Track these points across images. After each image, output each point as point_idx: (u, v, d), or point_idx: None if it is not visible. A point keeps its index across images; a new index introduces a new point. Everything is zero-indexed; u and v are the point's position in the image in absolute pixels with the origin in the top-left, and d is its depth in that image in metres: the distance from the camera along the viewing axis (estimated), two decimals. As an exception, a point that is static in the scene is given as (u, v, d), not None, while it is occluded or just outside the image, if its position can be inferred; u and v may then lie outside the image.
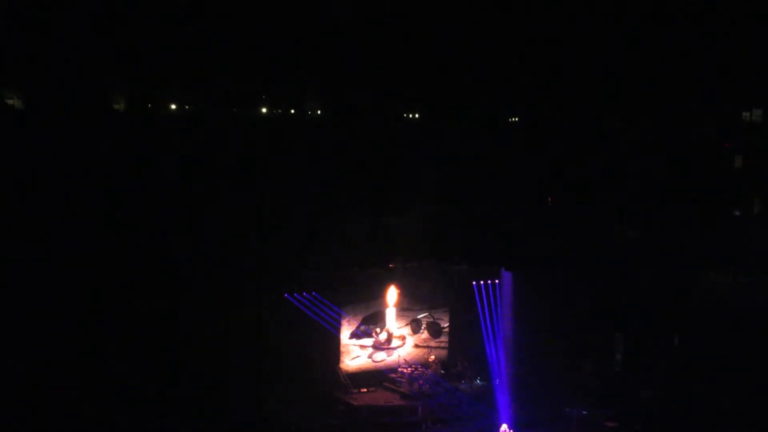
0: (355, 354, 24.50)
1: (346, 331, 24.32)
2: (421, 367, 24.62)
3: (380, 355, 24.80)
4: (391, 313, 24.85)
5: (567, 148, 25.21)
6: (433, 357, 25.14)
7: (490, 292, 24.98)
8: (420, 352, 25.29)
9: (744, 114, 25.57)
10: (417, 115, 27.07)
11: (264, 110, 25.33)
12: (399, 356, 24.83)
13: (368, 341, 24.66)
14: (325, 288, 23.45)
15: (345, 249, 23.36)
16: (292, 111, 25.73)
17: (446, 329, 25.62)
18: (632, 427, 21.99)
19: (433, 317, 25.47)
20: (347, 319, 24.23)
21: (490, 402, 23.73)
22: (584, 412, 22.68)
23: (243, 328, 21.71)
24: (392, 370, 24.63)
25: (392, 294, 24.76)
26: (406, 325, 25.27)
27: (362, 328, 24.57)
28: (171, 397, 20.35)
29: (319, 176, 23.67)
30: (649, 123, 25.47)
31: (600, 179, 24.76)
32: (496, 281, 25.07)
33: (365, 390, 23.80)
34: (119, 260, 20.74)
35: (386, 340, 24.82)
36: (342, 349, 24.27)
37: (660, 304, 23.11)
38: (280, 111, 25.56)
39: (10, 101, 22.47)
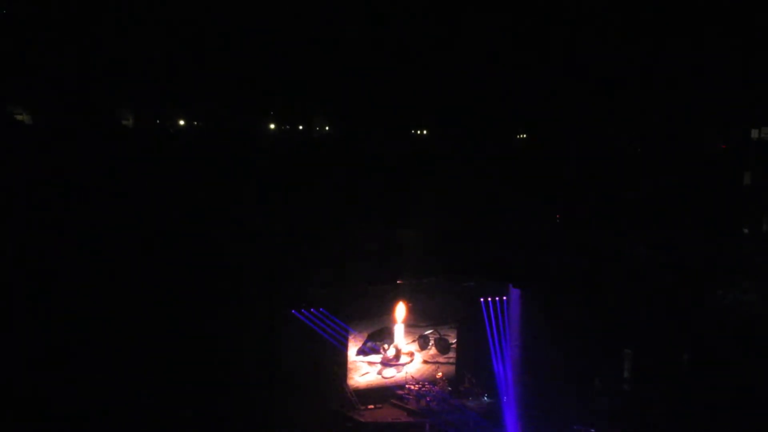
0: (365, 370, 24.39)
1: (352, 348, 24.21)
2: (429, 383, 24.49)
3: (390, 372, 24.68)
4: (399, 329, 24.75)
5: (576, 165, 25.22)
6: (440, 374, 25.02)
7: (498, 309, 24.87)
8: (428, 368, 25.18)
9: (753, 131, 25.56)
10: (425, 132, 27.17)
11: (272, 126, 25.45)
12: (406, 373, 24.72)
13: (376, 358, 24.54)
14: (333, 304, 23.36)
15: (353, 265, 23.36)
16: (300, 127, 25.84)
17: (454, 345, 25.49)
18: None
19: (439, 333, 25.35)
20: (353, 335, 24.13)
21: (498, 419, 23.60)
22: (592, 430, 22.54)
23: (250, 344, 21.64)
24: (399, 386, 24.50)
25: (401, 310, 24.67)
26: (413, 341, 25.15)
27: (369, 344, 24.45)
28: (175, 411, 20.33)
29: (326, 192, 23.72)
30: (658, 139, 25.46)
31: (609, 196, 24.74)
32: (504, 298, 24.97)
33: (372, 407, 23.67)
34: (127, 275, 20.78)
35: (394, 357, 24.71)
36: (350, 365, 24.16)
37: (669, 322, 22.97)
38: (288, 127, 25.68)
39: (19, 116, 22.63)
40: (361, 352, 24.35)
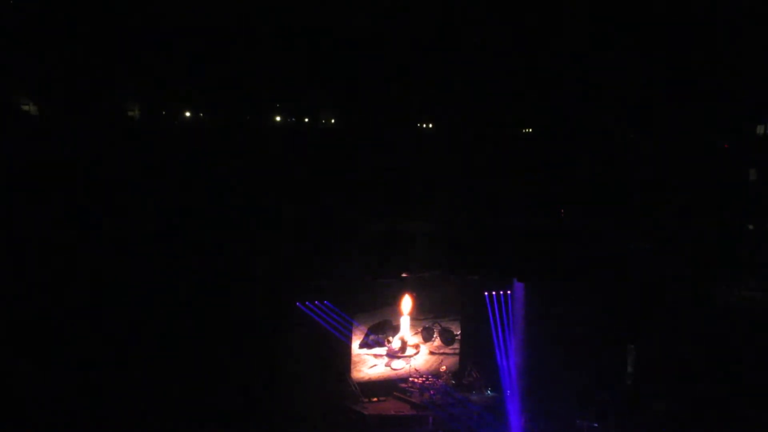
0: (372, 363, 24.42)
1: (355, 341, 24.22)
2: (432, 377, 24.54)
3: (398, 363, 24.72)
4: (405, 322, 24.78)
5: (581, 159, 25.23)
6: (444, 367, 25.06)
7: (502, 303, 24.90)
8: (433, 360, 25.20)
9: (758, 127, 25.55)
10: (431, 125, 27.16)
11: (278, 119, 25.42)
12: (410, 366, 24.75)
13: (381, 350, 24.54)
14: (337, 297, 23.37)
15: (358, 258, 23.35)
16: (306, 120, 25.82)
17: (458, 336, 25.50)
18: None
19: (441, 326, 25.35)
20: (356, 327, 24.11)
21: (501, 413, 23.66)
22: (595, 425, 22.59)
23: (253, 336, 21.67)
24: (403, 379, 24.55)
25: (407, 302, 24.68)
26: (417, 333, 25.18)
27: (372, 337, 24.45)
28: (178, 403, 20.40)
29: (332, 185, 23.72)
30: (663, 135, 25.46)
31: (614, 191, 24.76)
32: (508, 292, 24.99)
33: (376, 399, 23.71)
34: (131, 268, 20.80)
35: (400, 349, 24.73)
36: (356, 358, 24.19)
37: (673, 317, 23.04)
38: (293, 119, 25.66)
39: (25, 107, 22.62)
40: (365, 345, 24.35)
